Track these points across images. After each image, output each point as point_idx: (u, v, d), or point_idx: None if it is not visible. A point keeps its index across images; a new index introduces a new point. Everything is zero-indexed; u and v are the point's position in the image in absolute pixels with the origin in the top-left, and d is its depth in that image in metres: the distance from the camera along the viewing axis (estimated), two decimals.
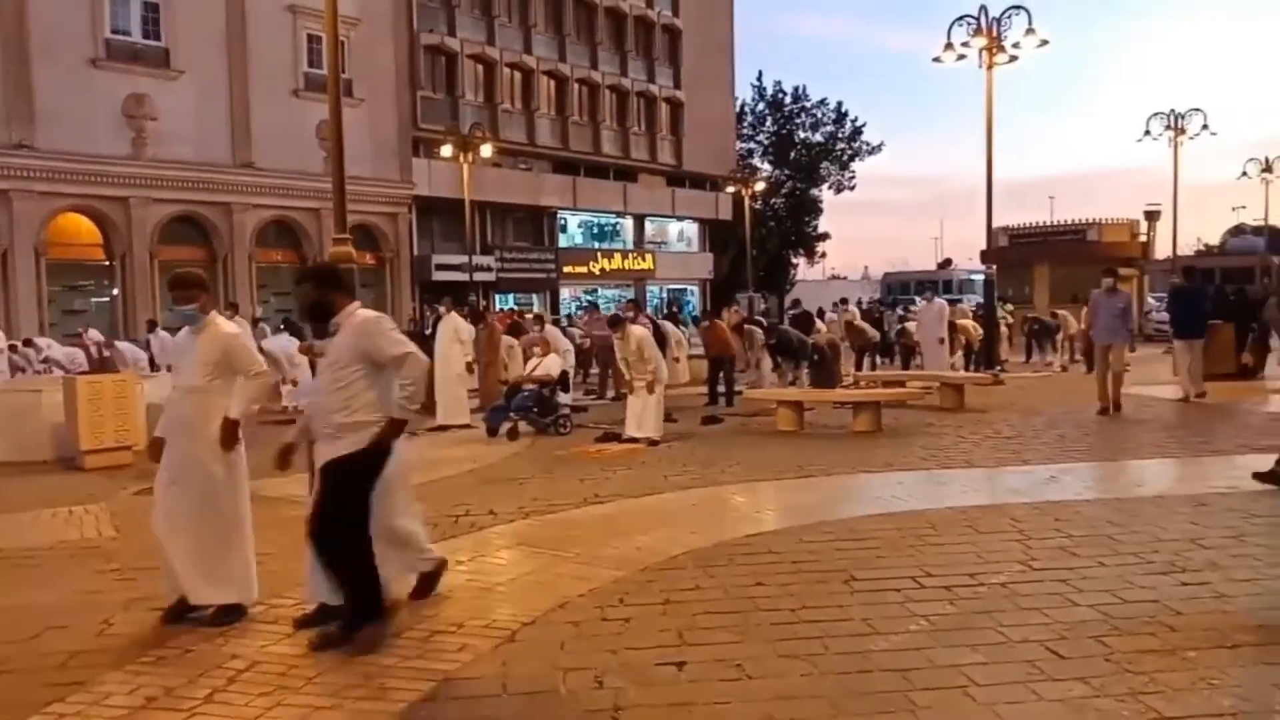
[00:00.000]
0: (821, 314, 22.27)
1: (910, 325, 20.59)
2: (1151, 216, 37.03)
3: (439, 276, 32.82)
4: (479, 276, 31.59)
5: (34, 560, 6.35)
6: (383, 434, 4.52)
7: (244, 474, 5.22)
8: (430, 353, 10.59)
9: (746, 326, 16.84)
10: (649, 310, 36.39)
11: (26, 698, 3.99)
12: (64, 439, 10.37)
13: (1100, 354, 12.70)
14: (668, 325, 19.23)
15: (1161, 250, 37.82)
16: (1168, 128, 30.84)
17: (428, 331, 19.16)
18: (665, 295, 46.85)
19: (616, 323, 11.88)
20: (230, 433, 5.01)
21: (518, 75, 37.59)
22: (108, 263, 25.68)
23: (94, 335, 18.29)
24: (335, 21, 8.00)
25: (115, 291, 25.72)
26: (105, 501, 8.22)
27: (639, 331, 11.76)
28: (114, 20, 25.03)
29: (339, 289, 4.78)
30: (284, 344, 15.39)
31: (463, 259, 29.59)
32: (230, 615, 4.88)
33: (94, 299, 25.90)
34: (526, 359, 14.92)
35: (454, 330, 13.41)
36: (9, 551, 6.58)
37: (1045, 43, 18.69)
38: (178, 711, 3.82)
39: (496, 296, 36.51)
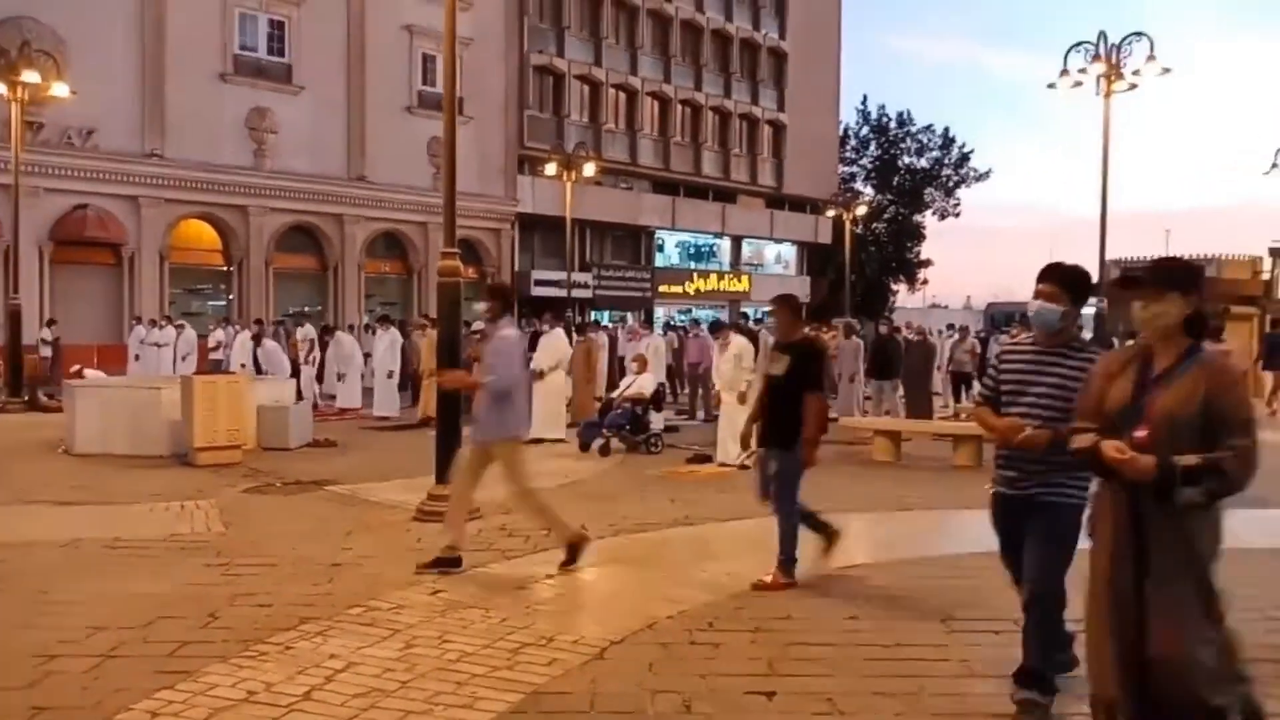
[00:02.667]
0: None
1: None
2: (1276, 253, 35.24)
3: (538, 292, 33.31)
4: (576, 293, 31.92)
5: (149, 551, 6.64)
6: None
7: None
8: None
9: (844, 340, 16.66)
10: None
11: (138, 683, 4.16)
12: (179, 435, 10.81)
13: None
14: (768, 335, 19.02)
15: None
16: None
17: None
18: (761, 317, 46.59)
19: (718, 328, 11.83)
20: None
21: (622, 96, 38.04)
22: (226, 268, 26.86)
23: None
24: (454, 43, 8.21)
25: (231, 296, 26.84)
26: (214, 497, 8.54)
27: (740, 341, 11.73)
28: (242, 37, 26.29)
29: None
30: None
31: (561, 275, 29.97)
32: None
33: (211, 302, 27.10)
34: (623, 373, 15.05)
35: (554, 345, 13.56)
36: (126, 541, 6.89)
37: (1167, 70, 18.04)
38: (276, 707, 3.93)
39: (593, 313, 36.87)
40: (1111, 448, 3.02)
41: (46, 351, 21.24)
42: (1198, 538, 3.06)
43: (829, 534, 6.13)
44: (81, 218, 23.50)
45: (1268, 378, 18.69)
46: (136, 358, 21.04)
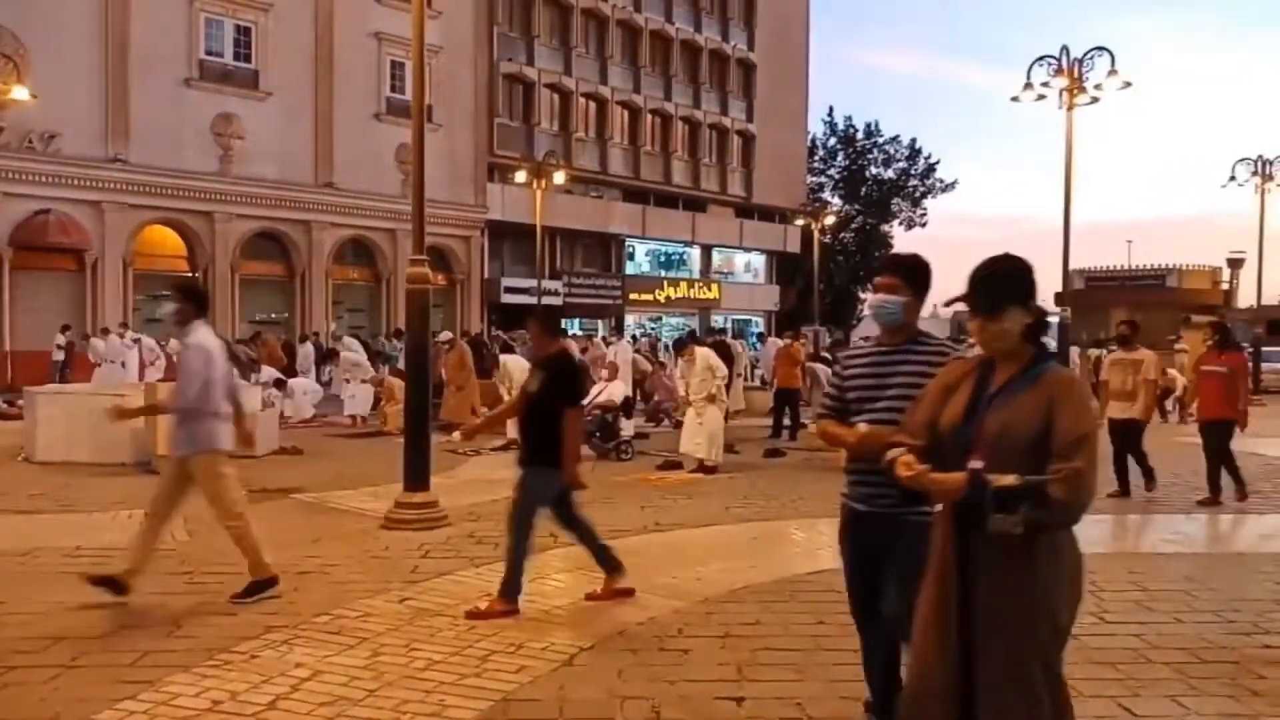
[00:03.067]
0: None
1: None
2: (1235, 264, 35.96)
3: (508, 299, 33.23)
4: (546, 300, 31.90)
5: (110, 560, 6.52)
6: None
7: None
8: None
9: (809, 365, 16.67)
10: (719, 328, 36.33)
11: (99, 693, 4.10)
12: (142, 443, 10.66)
13: None
14: (736, 344, 19.04)
15: (1245, 299, 36.69)
16: (1254, 174, 29.98)
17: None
18: (731, 325, 46.75)
19: (681, 346, 11.87)
20: None
21: (593, 105, 38.09)
22: (191, 274, 26.52)
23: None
24: (422, 50, 8.19)
25: None
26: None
27: (703, 351, 11.81)
28: (208, 42, 26.03)
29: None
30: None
31: (531, 283, 29.92)
32: None
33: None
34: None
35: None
36: (88, 550, 6.79)
37: (1128, 85, 18.36)
38: (242, 716, 3.89)
39: (563, 321, 36.82)
40: (901, 463, 2.64)
41: (59, 356, 20.93)
42: (1041, 583, 2.54)
43: (612, 567, 5.72)
44: (43, 223, 23.13)
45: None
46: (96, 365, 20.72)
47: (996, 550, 2.51)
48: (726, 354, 15.02)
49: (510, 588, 5.37)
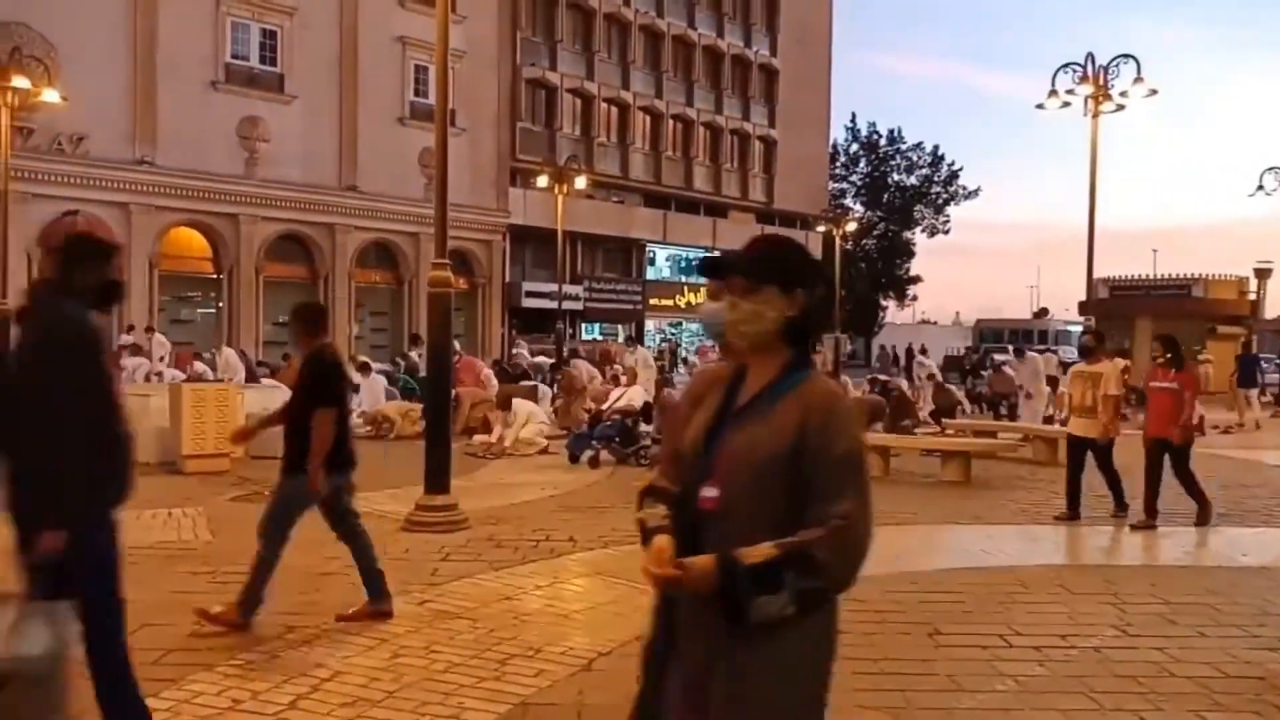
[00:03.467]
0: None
1: (1008, 370, 19.99)
2: (1262, 274, 35.54)
3: (528, 303, 33.34)
4: (567, 305, 31.97)
5: (134, 559, 6.59)
6: None
7: None
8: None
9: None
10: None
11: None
12: (167, 443, 10.77)
13: None
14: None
15: (1272, 309, 36.30)
16: None
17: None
18: None
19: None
20: None
21: (614, 110, 38.18)
22: (216, 276, 26.77)
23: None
24: (446, 55, 8.24)
25: (221, 304, 26.77)
26: (202, 506, 8.51)
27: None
28: (234, 46, 26.27)
29: None
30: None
31: (552, 287, 29.99)
32: None
33: (200, 310, 27.01)
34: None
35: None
36: None
37: (1154, 92, 18.19)
38: (262, 715, 3.92)
39: (583, 325, 36.91)
40: (648, 560, 2.02)
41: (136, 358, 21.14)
42: (790, 658, 2.01)
43: (375, 591, 5.32)
44: (71, 224, 23.35)
45: (1242, 395, 19.68)
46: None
47: (742, 654, 1.99)
48: None
49: (248, 602, 5.02)
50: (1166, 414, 8.47)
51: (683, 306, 41.41)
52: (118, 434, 3.34)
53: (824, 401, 2.04)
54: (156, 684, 4.20)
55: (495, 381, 16.35)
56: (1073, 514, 8.72)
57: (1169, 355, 8.67)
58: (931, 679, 4.50)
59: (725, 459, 2.05)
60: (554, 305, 29.18)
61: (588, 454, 11.95)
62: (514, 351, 26.10)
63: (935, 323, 69.03)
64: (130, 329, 22.14)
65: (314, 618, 5.22)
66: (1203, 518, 8.50)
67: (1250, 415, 19.11)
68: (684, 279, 42.60)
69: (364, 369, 15.95)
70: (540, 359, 24.24)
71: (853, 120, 54.89)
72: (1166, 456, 8.48)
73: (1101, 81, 18.21)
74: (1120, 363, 9.52)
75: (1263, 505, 10.05)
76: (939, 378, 20.54)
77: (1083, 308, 21.74)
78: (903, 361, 34.46)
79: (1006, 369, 20.00)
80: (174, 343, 21.99)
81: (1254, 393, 19.95)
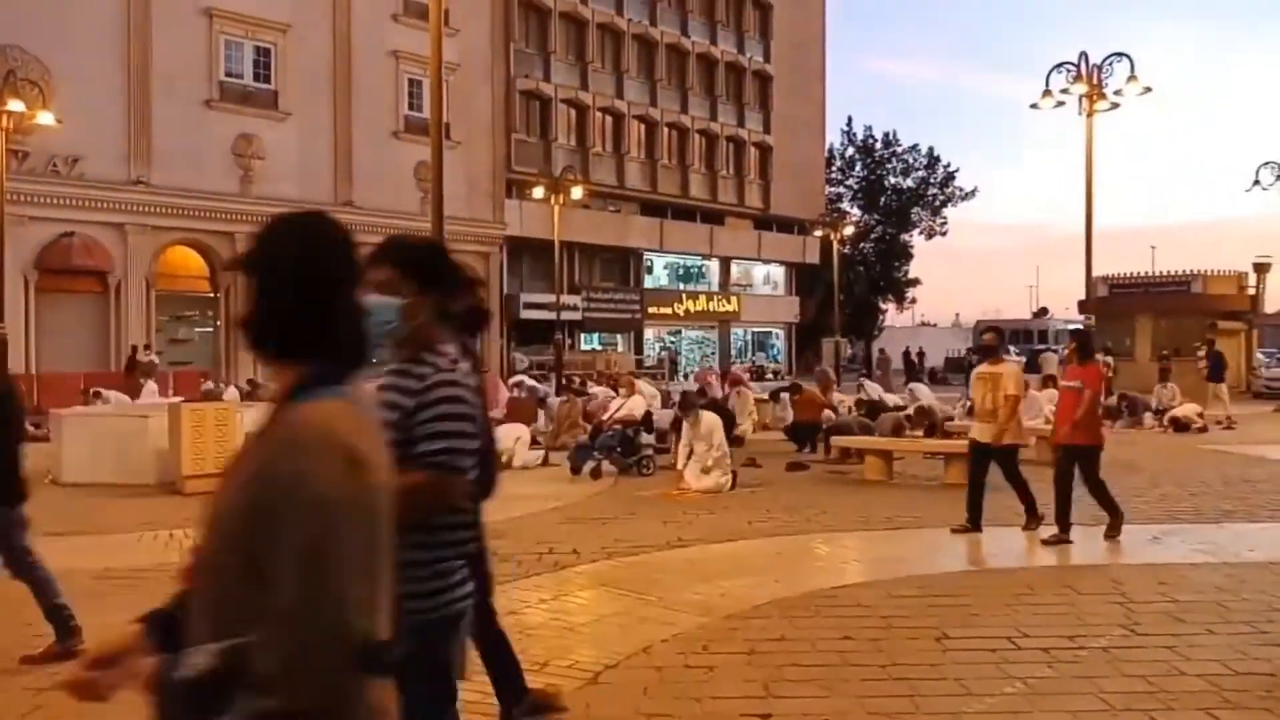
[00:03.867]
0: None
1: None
2: (1261, 269, 35.58)
3: (526, 315, 33.35)
4: (565, 316, 31.98)
5: (135, 581, 6.58)
6: None
7: None
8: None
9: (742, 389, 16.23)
10: (738, 364, 34.93)
11: (128, 714, 4.10)
12: (167, 464, 10.74)
13: None
14: (747, 392, 17.45)
15: (1271, 304, 36.32)
16: (1278, 177, 29.68)
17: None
18: (750, 338, 46.66)
19: (688, 407, 11.18)
20: None
21: (609, 119, 38.25)
22: (213, 294, 26.77)
23: None
24: (440, 68, 8.26)
25: (219, 323, 26.76)
26: None
27: (710, 417, 11.02)
28: (228, 64, 26.33)
29: None
30: None
31: (550, 298, 29.99)
32: None
33: (198, 329, 27.00)
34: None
35: None
36: (117, 571, 6.84)
37: (1148, 90, 18.25)
38: None
39: (582, 335, 36.90)
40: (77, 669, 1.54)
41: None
42: None
43: (62, 627, 5.17)
44: (67, 245, 23.41)
45: (1211, 389, 20.46)
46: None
47: None
48: (729, 420, 13.59)
49: (60, 630, 5.04)
50: (1071, 416, 7.73)
51: (681, 314, 41.42)
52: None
53: (290, 437, 1.49)
54: None
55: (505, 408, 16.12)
56: (973, 525, 8.01)
57: (1079, 349, 8.05)
58: (940, 683, 4.48)
59: (205, 524, 1.57)
60: (553, 316, 29.19)
61: (589, 465, 11.92)
62: (518, 370, 25.90)
63: (935, 324, 69.04)
64: (148, 348, 22.18)
65: None
66: (1113, 529, 7.78)
67: (1220, 408, 19.74)
68: (682, 287, 42.62)
69: None
70: (534, 384, 22.73)
71: (848, 124, 55.01)
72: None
73: (1095, 80, 18.26)
74: (1019, 362, 8.67)
75: (1268, 500, 10.03)
76: (924, 403, 19.96)
77: (1082, 306, 21.75)
78: (895, 365, 34.22)
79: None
80: (172, 363, 21.98)
81: (1223, 387, 20.66)
